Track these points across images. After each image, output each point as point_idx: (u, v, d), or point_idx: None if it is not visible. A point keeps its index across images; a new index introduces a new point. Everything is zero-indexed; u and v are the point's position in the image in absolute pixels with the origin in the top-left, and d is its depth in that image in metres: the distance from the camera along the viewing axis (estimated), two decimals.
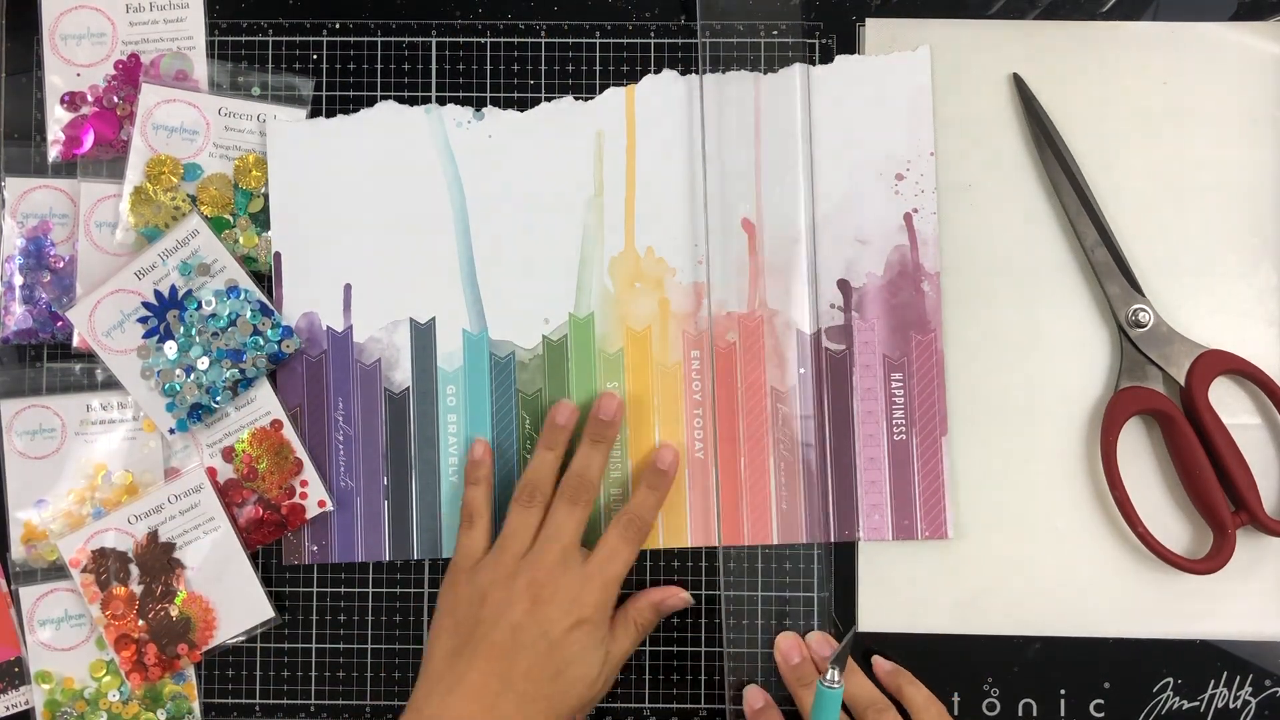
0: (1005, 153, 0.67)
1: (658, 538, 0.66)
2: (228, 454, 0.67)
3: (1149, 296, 0.66)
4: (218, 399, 0.66)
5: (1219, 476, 0.64)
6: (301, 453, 0.66)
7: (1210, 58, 0.67)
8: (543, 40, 0.68)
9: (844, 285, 0.67)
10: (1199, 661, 0.66)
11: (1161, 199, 0.67)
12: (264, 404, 0.67)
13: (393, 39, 0.68)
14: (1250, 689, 0.65)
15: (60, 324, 0.67)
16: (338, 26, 0.69)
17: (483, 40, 0.68)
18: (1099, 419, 0.65)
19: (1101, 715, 0.66)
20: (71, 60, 0.68)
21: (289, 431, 0.66)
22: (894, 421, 0.66)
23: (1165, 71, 0.67)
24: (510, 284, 0.67)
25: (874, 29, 0.68)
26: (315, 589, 0.67)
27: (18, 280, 0.67)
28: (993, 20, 0.68)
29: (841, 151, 0.67)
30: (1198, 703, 0.66)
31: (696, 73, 0.68)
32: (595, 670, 0.61)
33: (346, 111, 0.68)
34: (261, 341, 0.66)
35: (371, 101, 0.68)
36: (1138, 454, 0.66)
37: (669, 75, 0.68)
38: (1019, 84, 0.67)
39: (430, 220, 0.67)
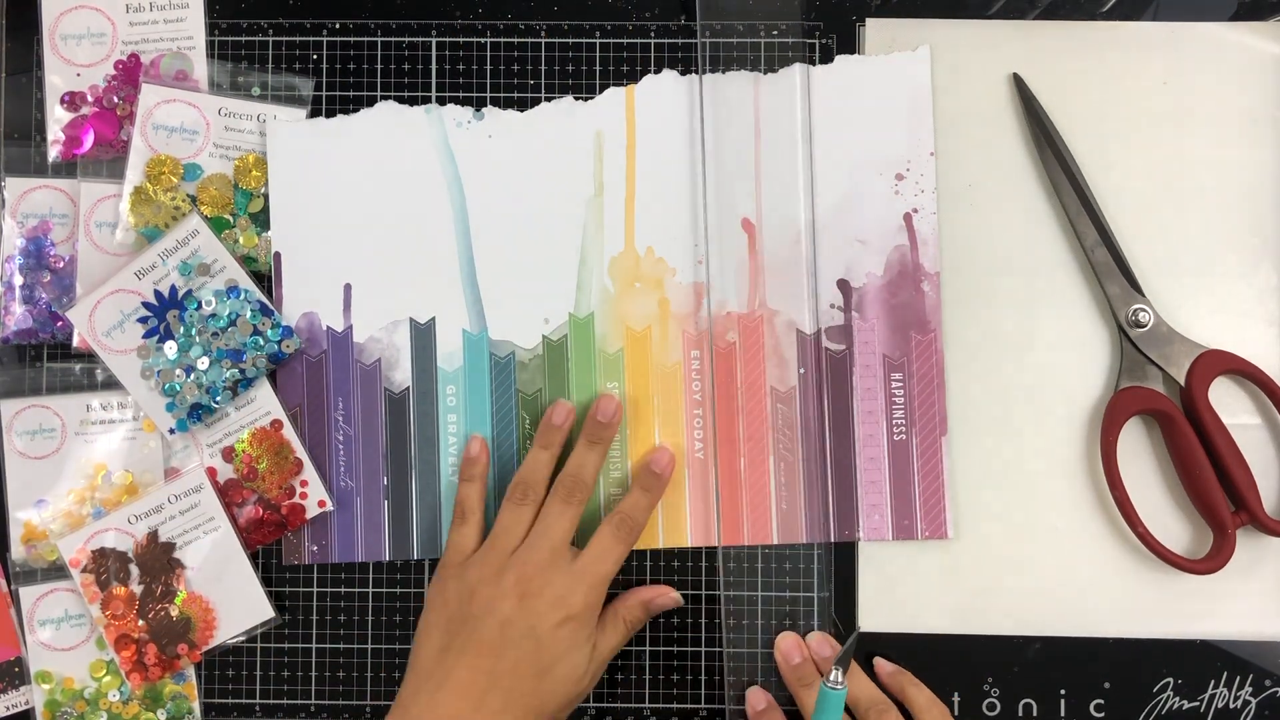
0: (1005, 153, 0.67)
1: (657, 537, 0.67)
2: (228, 454, 0.67)
3: (1149, 296, 0.66)
4: (218, 399, 0.66)
5: (1219, 476, 0.64)
6: (301, 453, 0.66)
7: (1210, 58, 0.67)
8: (542, 40, 0.68)
9: (844, 285, 0.67)
10: (1199, 661, 0.66)
11: (1161, 199, 0.67)
12: (264, 404, 0.67)
13: (393, 39, 0.68)
14: (1250, 689, 0.65)
15: (60, 324, 0.67)
16: (338, 26, 0.69)
17: (483, 40, 0.68)
18: (1099, 419, 0.65)
19: (1101, 715, 0.66)
20: (71, 60, 0.68)
21: (289, 431, 0.66)
22: (894, 421, 0.66)
23: (1165, 71, 0.67)
24: (510, 284, 0.67)
25: (874, 29, 0.68)
26: (315, 589, 0.67)
27: (18, 280, 0.67)
28: (993, 20, 0.68)
29: (841, 151, 0.67)
30: (1198, 703, 0.66)
31: (696, 73, 0.68)
32: (582, 667, 0.61)
33: (346, 111, 0.68)
34: (261, 341, 0.66)
35: (371, 101, 0.68)
36: (1138, 454, 0.66)
37: (669, 75, 0.68)
38: (1019, 84, 0.67)
39: (430, 220, 0.67)
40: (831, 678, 0.60)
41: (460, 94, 0.68)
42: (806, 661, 0.65)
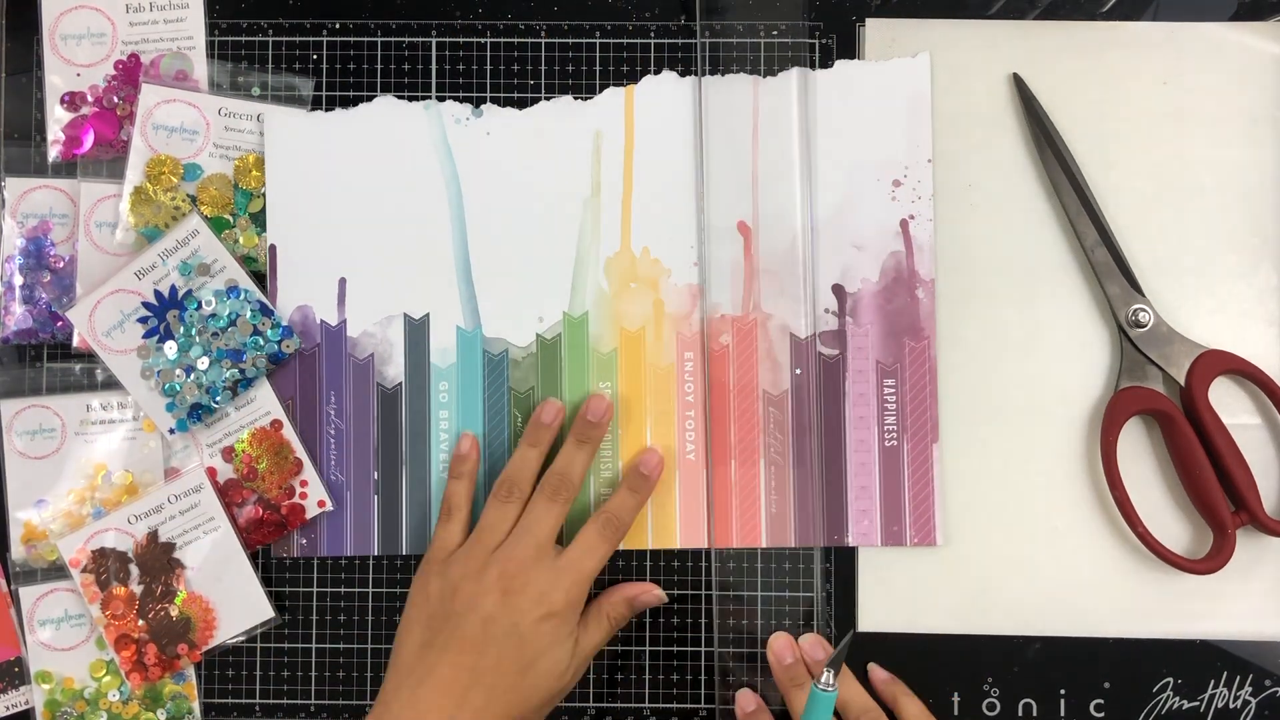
0: (1005, 153, 0.67)
1: (646, 538, 0.66)
2: (228, 454, 0.67)
3: (1149, 296, 0.66)
4: (218, 399, 0.66)
5: (1219, 476, 0.64)
6: (301, 453, 0.66)
7: (1210, 58, 0.67)
8: (542, 40, 0.68)
9: (839, 290, 0.67)
10: (1199, 661, 0.66)
11: (1161, 199, 0.67)
12: (264, 404, 0.67)
13: (393, 39, 0.68)
14: (1250, 689, 0.65)
15: (60, 324, 0.67)
16: (338, 26, 0.69)
17: (483, 40, 0.68)
18: (1099, 419, 0.65)
19: (1101, 715, 0.66)
20: (71, 60, 0.68)
21: (289, 431, 0.66)
22: (885, 427, 0.66)
23: (1165, 71, 0.67)
24: (505, 281, 0.67)
25: (874, 29, 0.68)
26: (315, 589, 0.67)
27: (18, 280, 0.67)
28: (993, 20, 0.68)
29: (839, 156, 0.67)
30: (1198, 703, 0.65)
31: (696, 74, 0.68)
32: (564, 664, 0.61)
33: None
34: (261, 341, 0.66)
35: (371, 101, 0.68)
36: (1138, 454, 0.66)
37: (668, 76, 0.68)
38: (1019, 84, 0.67)
39: (426, 216, 0.67)
40: (823, 680, 0.60)
41: (460, 94, 0.68)
42: (798, 662, 0.65)
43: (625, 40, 0.68)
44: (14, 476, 0.67)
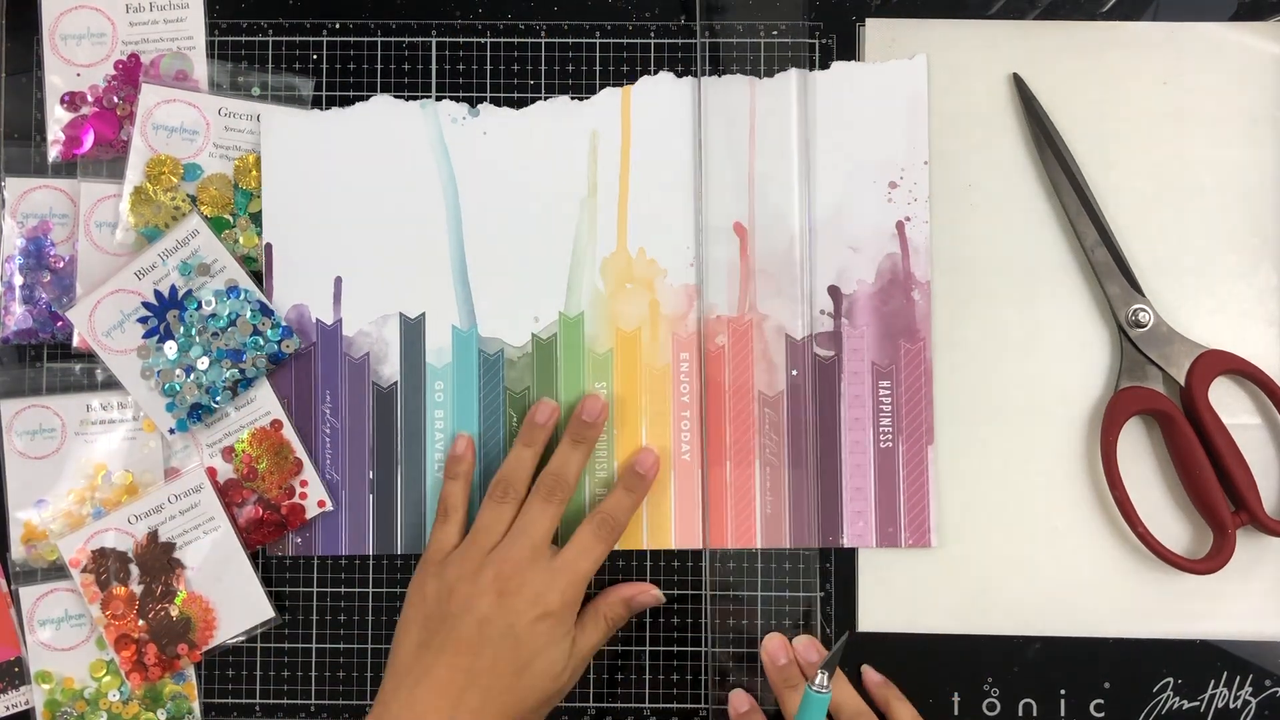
0: (1005, 153, 0.67)
1: (641, 539, 0.66)
2: (228, 454, 0.67)
3: (1149, 296, 0.65)
4: (218, 399, 0.66)
5: (1219, 476, 0.64)
6: (301, 453, 0.66)
7: (1210, 58, 0.67)
8: (542, 40, 0.68)
9: (834, 292, 0.67)
10: (1199, 661, 0.65)
11: (1161, 199, 0.67)
12: (264, 404, 0.67)
13: (392, 39, 0.68)
14: (1250, 689, 0.65)
15: (60, 324, 0.67)
16: (338, 26, 0.69)
17: (483, 40, 0.68)
18: (1099, 419, 0.65)
19: (1101, 715, 0.66)
20: (71, 60, 0.68)
21: (289, 431, 0.67)
22: (881, 429, 0.66)
23: (1165, 71, 0.67)
24: (501, 281, 0.67)
25: (874, 29, 0.68)
26: (315, 589, 0.67)
27: (18, 280, 0.67)
28: (993, 20, 0.68)
29: (835, 158, 0.67)
30: (1198, 703, 0.65)
31: (696, 74, 0.68)
32: (560, 664, 0.61)
33: None
34: (261, 341, 0.66)
35: (368, 100, 0.68)
36: (1138, 454, 0.66)
37: (665, 77, 0.68)
38: (1019, 84, 0.67)
39: (423, 215, 0.67)
40: (817, 681, 0.60)
41: (460, 94, 0.68)
42: (792, 663, 0.65)
43: (625, 40, 0.68)
44: (14, 476, 0.67)
